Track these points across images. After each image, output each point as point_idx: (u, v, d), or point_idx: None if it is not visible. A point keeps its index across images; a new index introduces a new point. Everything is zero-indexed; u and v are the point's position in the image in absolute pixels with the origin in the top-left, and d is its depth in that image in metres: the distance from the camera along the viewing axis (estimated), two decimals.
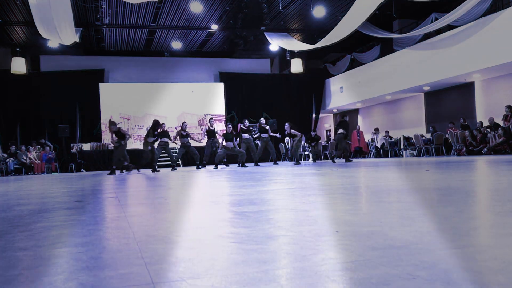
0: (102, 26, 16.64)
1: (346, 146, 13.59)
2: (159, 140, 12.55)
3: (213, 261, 1.39)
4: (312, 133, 15.45)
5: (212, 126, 13.14)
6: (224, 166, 13.59)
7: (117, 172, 11.88)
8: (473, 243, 1.51)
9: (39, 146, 16.89)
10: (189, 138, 12.96)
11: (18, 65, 17.09)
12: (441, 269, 1.17)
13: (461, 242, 1.50)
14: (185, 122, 13.56)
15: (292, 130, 13.65)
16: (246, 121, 13.93)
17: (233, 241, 1.69)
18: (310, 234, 1.75)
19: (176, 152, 13.74)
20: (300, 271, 1.23)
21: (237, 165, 13.61)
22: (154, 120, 12.98)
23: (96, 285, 1.19)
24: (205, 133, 13.20)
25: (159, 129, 12.54)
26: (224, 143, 12.83)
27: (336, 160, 14.00)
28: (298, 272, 1.23)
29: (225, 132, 13.02)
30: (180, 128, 13.09)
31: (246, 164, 13.11)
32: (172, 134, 19.07)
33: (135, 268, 1.33)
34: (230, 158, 14.29)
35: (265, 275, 1.21)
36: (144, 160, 12.61)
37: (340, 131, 13.08)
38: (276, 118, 19.10)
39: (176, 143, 13.10)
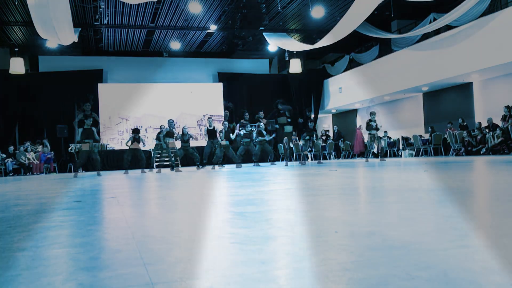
0: (100, 27, 16.61)
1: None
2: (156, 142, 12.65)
3: (212, 262, 1.39)
4: (310, 124, 14.00)
5: (211, 126, 13.11)
6: (220, 166, 13.52)
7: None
8: (472, 243, 1.51)
9: (41, 146, 16.84)
10: (190, 141, 12.96)
11: (17, 65, 17.04)
12: (440, 270, 1.18)
13: (460, 242, 1.50)
14: (185, 127, 13.53)
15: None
16: (246, 114, 13.93)
17: (232, 241, 1.69)
18: (309, 235, 1.75)
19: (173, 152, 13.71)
20: (299, 272, 1.23)
21: (235, 165, 13.60)
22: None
23: (95, 285, 1.19)
24: (206, 133, 13.14)
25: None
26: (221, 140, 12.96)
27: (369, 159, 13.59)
28: (297, 272, 1.23)
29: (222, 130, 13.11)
30: (181, 133, 13.03)
31: (243, 165, 13.14)
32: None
33: (134, 269, 1.33)
34: (228, 158, 14.26)
35: (264, 276, 1.21)
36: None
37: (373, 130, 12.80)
38: (274, 119, 19.08)
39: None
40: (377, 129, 12.78)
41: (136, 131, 12.48)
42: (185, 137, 12.84)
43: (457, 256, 1.31)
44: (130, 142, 12.33)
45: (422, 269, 1.19)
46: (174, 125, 12.85)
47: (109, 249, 1.67)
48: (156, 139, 13.16)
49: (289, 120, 12.84)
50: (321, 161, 13.67)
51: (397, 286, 1.06)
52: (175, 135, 12.69)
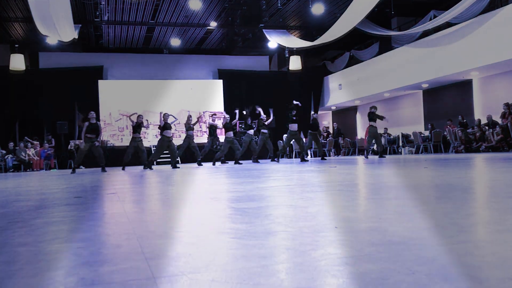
0: (101, 23, 16.60)
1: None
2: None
3: (213, 256, 1.40)
4: (313, 116, 13.50)
5: (214, 121, 13.18)
6: (220, 163, 13.54)
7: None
8: (471, 239, 1.52)
9: (37, 141, 16.82)
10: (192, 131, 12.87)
11: (17, 62, 17.03)
12: (439, 264, 1.18)
13: (460, 238, 1.51)
14: (190, 115, 13.50)
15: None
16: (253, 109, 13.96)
17: (233, 236, 1.69)
18: (309, 230, 1.75)
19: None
20: (300, 266, 1.24)
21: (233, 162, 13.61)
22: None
23: (97, 280, 1.20)
24: (208, 128, 13.15)
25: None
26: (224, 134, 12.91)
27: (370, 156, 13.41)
28: (297, 267, 1.24)
29: (224, 122, 13.03)
30: (186, 121, 12.98)
31: (241, 162, 13.14)
32: (171, 130, 19.07)
33: (135, 263, 1.34)
34: (227, 155, 14.27)
35: (264, 270, 1.22)
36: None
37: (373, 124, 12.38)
38: (274, 116, 19.04)
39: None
40: (379, 118, 12.42)
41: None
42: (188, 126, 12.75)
43: (456, 252, 1.31)
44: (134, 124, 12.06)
45: (422, 264, 1.19)
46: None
47: (110, 244, 1.68)
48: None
49: (294, 118, 12.77)
50: (326, 158, 13.65)
51: (397, 280, 1.07)
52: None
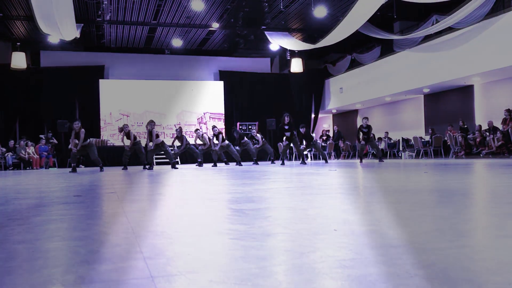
0: (103, 23, 16.61)
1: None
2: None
3: (212, 257, 1.39)
4: (301, 130, 13.87)
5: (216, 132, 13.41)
6: (220, 164, 13.58)
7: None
8: (470, 243, 1.52)
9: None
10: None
11: (18, 60, 17.04)
12: (439, 269, 1.18)
13: (459, 242, 1.51)
14: (199, 130, 13.77)
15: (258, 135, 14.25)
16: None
17: (232, 237, 1.69)
18: (308, 232, 1.75)
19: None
20: (298, 268, 1.24)
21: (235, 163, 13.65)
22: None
23: (95, 278, 1.19)
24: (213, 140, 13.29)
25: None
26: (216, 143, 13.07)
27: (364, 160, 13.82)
28: (295, 268, 1.24)
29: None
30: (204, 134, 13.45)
31: (243, 163, 13.21)
32: (171, 131, 19.09)
33: (134, 262, 1.34)
34: (228, 157, 14.29)
35: (263, 271, 1.21)
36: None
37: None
38: (275, 118, 19.10)
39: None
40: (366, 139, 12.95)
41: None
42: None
43: (456, 256, 1.31)
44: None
45: (421, 268, 1.19)
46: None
47: (109, 243, 1.68)
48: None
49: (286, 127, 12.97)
50: (327, 161, 13.71)
51: (396, 283, 1.07)
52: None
